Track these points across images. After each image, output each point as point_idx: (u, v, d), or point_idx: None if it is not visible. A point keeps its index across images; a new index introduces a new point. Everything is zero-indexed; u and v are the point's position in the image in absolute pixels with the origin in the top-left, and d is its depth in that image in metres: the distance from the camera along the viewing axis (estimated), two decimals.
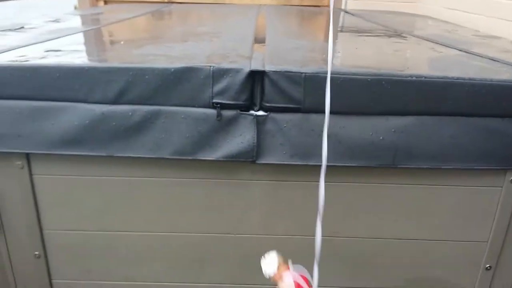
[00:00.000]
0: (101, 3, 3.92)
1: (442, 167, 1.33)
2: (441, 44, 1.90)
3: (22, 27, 2.06)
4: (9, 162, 1.34)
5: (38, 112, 1.28)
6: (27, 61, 1.30)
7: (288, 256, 1.48)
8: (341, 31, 2.44)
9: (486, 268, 1.49)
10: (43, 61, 1.32)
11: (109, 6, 3.79)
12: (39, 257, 1.47)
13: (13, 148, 1.30)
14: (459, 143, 1.31)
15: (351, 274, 1.51)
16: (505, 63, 1.52)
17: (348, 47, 1.95)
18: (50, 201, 1.40)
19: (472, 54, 1.69)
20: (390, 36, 2.16)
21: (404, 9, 3.73)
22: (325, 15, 3.30)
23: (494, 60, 1.57)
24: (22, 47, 1.52)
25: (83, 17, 2.70)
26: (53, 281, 1.51)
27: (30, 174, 1.36)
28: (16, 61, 1.30)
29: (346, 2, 3.89)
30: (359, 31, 2.34)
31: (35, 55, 1.39)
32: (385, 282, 1.52)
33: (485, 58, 1.61)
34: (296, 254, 1.45)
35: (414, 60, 1.71)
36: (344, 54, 1.74)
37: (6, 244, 1.46)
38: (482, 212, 1.42)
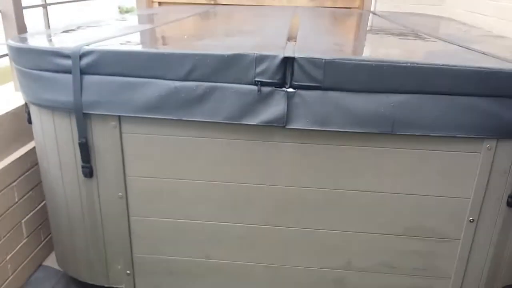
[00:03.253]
0: (156, 5, 4.46)
1: (431, 134, 1.71)
2: (447, 42, 2.25)
3: (99, 24, 2.58)
4: (106, 122, 1.83)
5: (128, 86, 1.76)
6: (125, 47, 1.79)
7: (310, 204, 1.90)
8: (369, 30, 2.81)
9: (470, 221, 1.85)
10: (134, 47, 1.81)
11: (163, 7, 4.32)
12: (121, 197, 1.96)
13: (110, 112, 1.80)
14: (445, 116, 1.68)
15: (359, 221, 1.91)
16: (492, 56, 1.87)
17: (367, 43, 2.34)
18: (133, 154, 1.88)
19: (470, 49, 2.04)
20: (406, 35, 2.52)
21: (430, 11, 4.04)
22: (354, 17, 3.68)
23: (484, 54, 1.91)
24: (111, 38, 2.02)
25: (143, 16, 3.22)
26: (131, 217, 2.00)
27: (120, 132, 1.84)
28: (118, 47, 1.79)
29: (375, 5, 4.24)
30: (380, 30, 2.71)
31: (122, 44, 1.88)
32: (388, 229, 1.91)
33: (478, 52, 1.96)
34: (317, 202, 1.87)
35: (418, 52, 2.08)
36: (359, 47, 2.13)
37: (98, 186, 1.96)
38: (464, 173, 1.78)
